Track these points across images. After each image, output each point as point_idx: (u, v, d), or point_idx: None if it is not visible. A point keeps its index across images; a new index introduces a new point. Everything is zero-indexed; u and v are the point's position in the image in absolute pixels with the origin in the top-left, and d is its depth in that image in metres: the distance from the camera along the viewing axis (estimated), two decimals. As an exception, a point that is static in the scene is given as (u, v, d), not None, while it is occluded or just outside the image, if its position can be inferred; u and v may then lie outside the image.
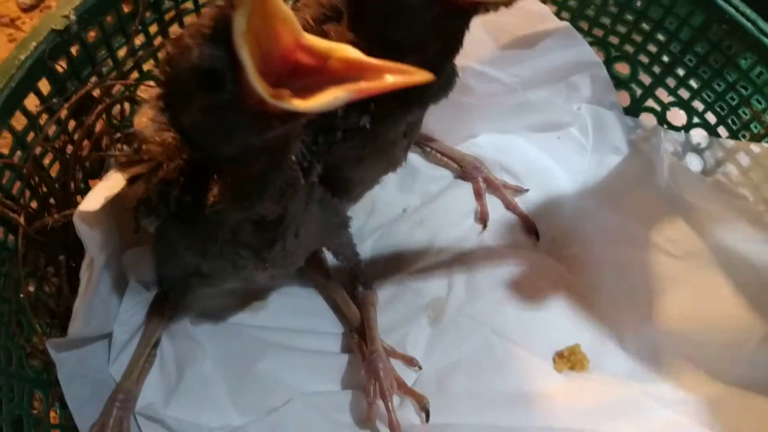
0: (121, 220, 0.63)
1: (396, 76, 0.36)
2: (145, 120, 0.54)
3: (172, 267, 0.70)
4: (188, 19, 0.73)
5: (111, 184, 0.54)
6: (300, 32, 0.38)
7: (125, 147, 0.59)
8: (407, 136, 0.66)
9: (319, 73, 0.38)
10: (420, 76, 0.36)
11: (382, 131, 0.60)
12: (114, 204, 0.56)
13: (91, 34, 0.66)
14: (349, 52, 0.37)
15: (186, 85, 0.40)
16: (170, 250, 0.64)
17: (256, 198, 0.48)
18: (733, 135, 0.79)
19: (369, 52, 0.38)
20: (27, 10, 1.07)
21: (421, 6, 0.49)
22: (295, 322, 0.78)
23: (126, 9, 0.68)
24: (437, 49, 0.53)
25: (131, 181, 0.53)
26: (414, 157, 0.88)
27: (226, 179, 0.48)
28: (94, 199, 0.55)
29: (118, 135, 0.70)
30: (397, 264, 0.82)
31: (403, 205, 0.86)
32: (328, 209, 0.64)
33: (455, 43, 0.54)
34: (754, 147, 0.77)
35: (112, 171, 0.56)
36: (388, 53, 0.44)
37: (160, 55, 0.45)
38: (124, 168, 0.54)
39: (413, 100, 0.58)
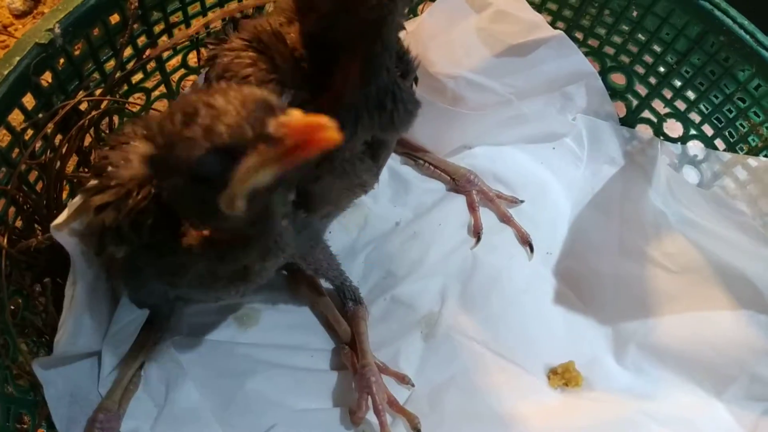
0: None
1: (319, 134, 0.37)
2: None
3: (144, 294, 0.68)
4: (176, 32, 0.72)
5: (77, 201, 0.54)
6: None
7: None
8: (374, 160, 0.65)
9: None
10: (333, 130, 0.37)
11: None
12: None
13: (78, 47, 0.64)
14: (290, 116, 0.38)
15: (176, 165, 0.41)
16: (138, 278, 0.63)
17: (240, 258, 0.50)
18: (731, 147, 0.79)
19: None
20: (20, 16, 1.06)
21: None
22: (285, 338, 0.76)
23: (113, 20, 0.67)
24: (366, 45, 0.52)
25: (99, 210, 0.52)
26: (406, 170, 0.87)
27: (203, 230, 0.48)
28: (64, 214, 0.55)
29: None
30: (390, 278, 0.81)
31: (395, 218, 0.84)
32: (297, 224, 0.62)
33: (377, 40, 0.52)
34: (752, 161, 0.76)
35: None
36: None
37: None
38: (91, 195, 0.53)
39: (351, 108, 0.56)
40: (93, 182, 0.54)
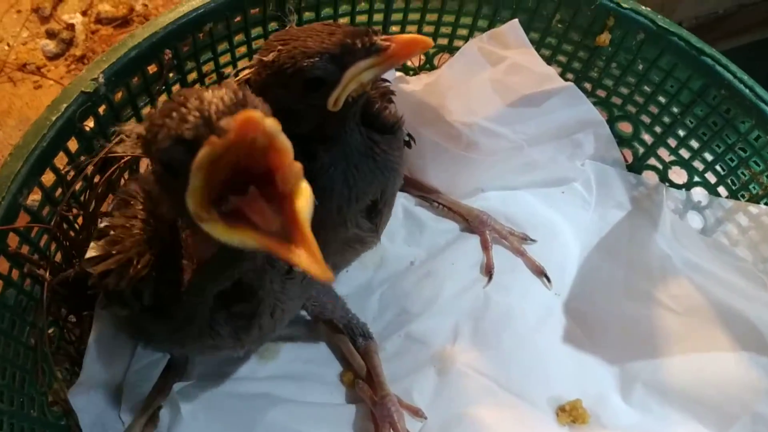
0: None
1: (307, 261, 0.37)
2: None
3: (151, 348, 0.72)
4: (209, 80, 0.77)
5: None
6: (289, 159, 0.39)
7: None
8: (372, 220, 0.70)
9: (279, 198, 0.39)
10: (323, 274, 0.37)
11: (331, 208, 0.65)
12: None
13: (118, 94, 0.69)
14: (303, 203, 0.38)
15: (154, 157, 0.44)
16: (145, 338, 0.66)
17: (230, 273, 0.50)
18: (733, 194, 0.82)
19: None
20: (52, 58, 1.11)
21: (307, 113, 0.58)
22: (304, 372, 0.79)
23: (151, 70, 0.71)
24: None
25: (103, 276, 0.56)
26: (421, 211, 0.90)
27: (196, 257, 0.50)
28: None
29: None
30: (404, 315, 0.84)
31: (410, 257, 0.87)
32: (309, 286, 0.66)
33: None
34: (753, 208, 0.79)
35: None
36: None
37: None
38: (95, 263, 0.56)
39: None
40: (97, 248, 0.57)
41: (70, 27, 1.13)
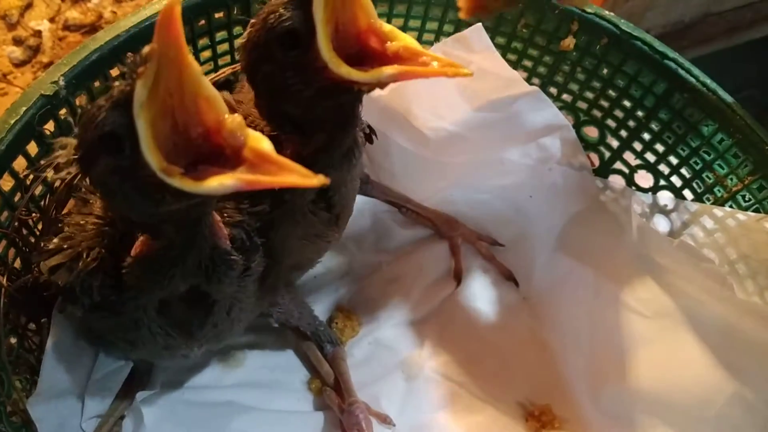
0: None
1: (293, 176, 0.37)
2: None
3: (112, 354, 0.70)
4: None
5: None
6: (224, 114, 0.39)
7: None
8: (329, 210, 0.66)
9: (235, 155, 0.39)
10: (314, 180, 0.37)
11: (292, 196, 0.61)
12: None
13: (79, 98, 0.68)
14: (263, 143, 0.38)
15: (93, 145, 0.42)
16: (102, 342, 0.66)
17: (173, 273, 0.49)
18: (698, 198, 0.83)
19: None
20: (19, 65, 1.10)
21: (299, 84, 0.52)
22: (270, 379, 0.79)
23: (113, 73, 0.70)
24: (335, 124, 0.56)
25: (53, 271, 0.55)
26: (390, 216, 0.90)
27: (140, 253, 0.49)
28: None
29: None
30: (372, 321, 0.84)
31: (378, 263, 0.87)
32: (272, 288, 0.64)
33: (348, 117, 0.57)
34: (717, 211, 0.80)
35: None
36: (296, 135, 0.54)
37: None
38: (46, 257, 0.56)
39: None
40: (52, 244, 0.57)
41: (38, 34, 1.11)
